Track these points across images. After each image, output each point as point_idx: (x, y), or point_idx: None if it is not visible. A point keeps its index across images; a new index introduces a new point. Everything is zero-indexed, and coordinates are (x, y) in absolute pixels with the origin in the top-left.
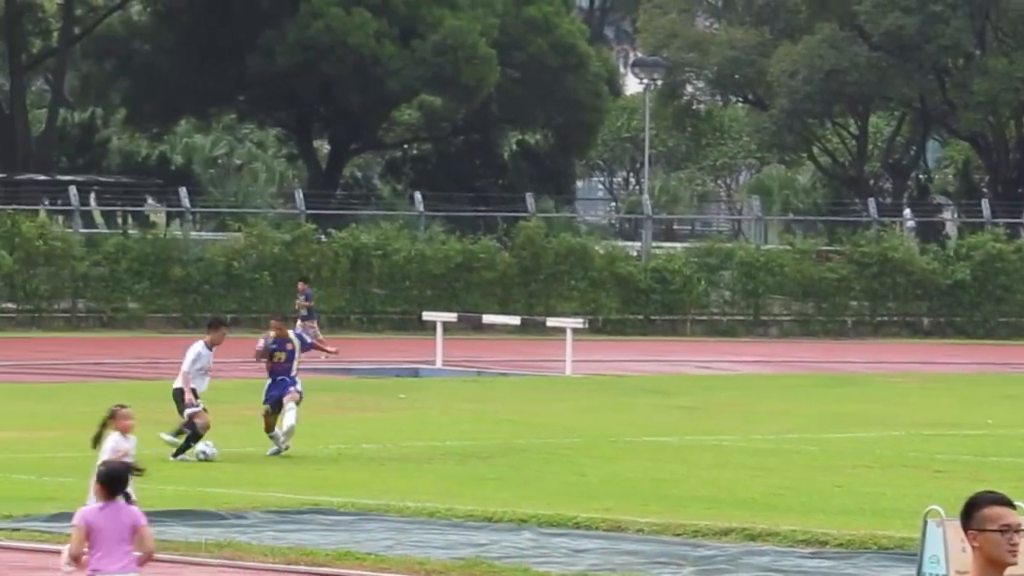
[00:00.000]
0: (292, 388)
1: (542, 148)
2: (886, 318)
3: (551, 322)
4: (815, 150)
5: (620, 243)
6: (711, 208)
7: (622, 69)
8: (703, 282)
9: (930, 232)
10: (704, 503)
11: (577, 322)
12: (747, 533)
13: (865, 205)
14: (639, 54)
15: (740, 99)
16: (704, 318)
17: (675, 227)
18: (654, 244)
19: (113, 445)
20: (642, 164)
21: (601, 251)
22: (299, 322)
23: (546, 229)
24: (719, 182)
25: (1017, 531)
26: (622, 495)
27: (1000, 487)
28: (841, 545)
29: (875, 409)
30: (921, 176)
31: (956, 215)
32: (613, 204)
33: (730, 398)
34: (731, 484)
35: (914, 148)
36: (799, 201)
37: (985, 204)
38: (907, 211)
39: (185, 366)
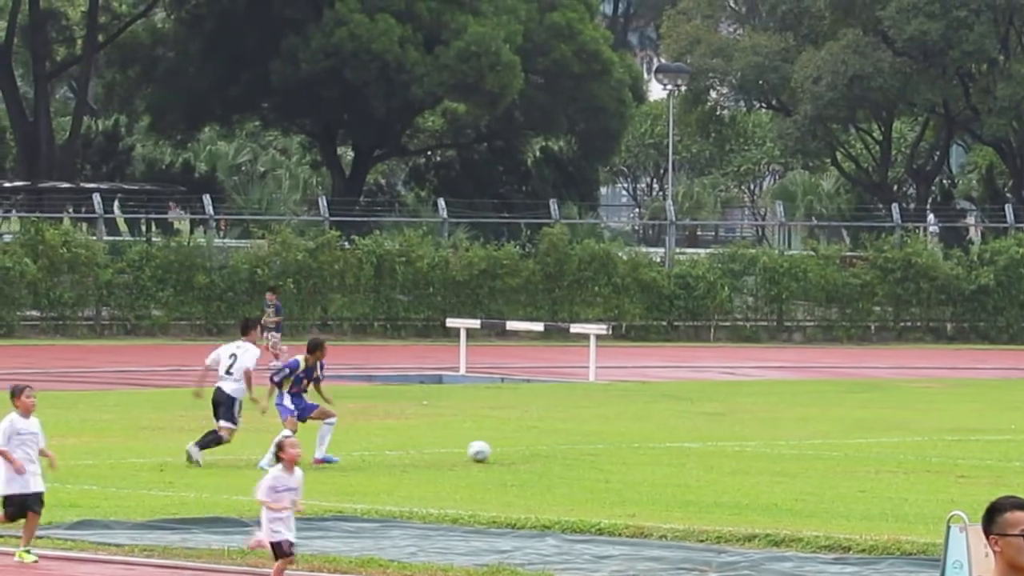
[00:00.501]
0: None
1: (566, 154)
2: (909, 323)
3: (575, 328)
4: (839, 156)
5: (644, 249)
6: (735, 214)
7: (646, 75)
8: (727, 288)
9: (953, 237)
10: (727, 509)
11: (601, 328)
12: (770, 539)
13: (889, 211)
14: (663, 60)
15: (764, 105)
16: (728, 324)
17: (699, 233)
18: (678, 250)
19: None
20: (666, 170)
21: (624, 257)
22: (267, 333)
23: (570, 235)
24: (743, 188)
25: None
26: (645, 501)
27: (989, 492)
28: (864, 551)
29: (898, 414)
30: (945, 181)
31: (980, 220)
32: (637, 210)
33: (753, 404)
34: (754, 490)
35: (938, 153)
36: (823, 207)
37: (1009, 209)
38: (931, 216)
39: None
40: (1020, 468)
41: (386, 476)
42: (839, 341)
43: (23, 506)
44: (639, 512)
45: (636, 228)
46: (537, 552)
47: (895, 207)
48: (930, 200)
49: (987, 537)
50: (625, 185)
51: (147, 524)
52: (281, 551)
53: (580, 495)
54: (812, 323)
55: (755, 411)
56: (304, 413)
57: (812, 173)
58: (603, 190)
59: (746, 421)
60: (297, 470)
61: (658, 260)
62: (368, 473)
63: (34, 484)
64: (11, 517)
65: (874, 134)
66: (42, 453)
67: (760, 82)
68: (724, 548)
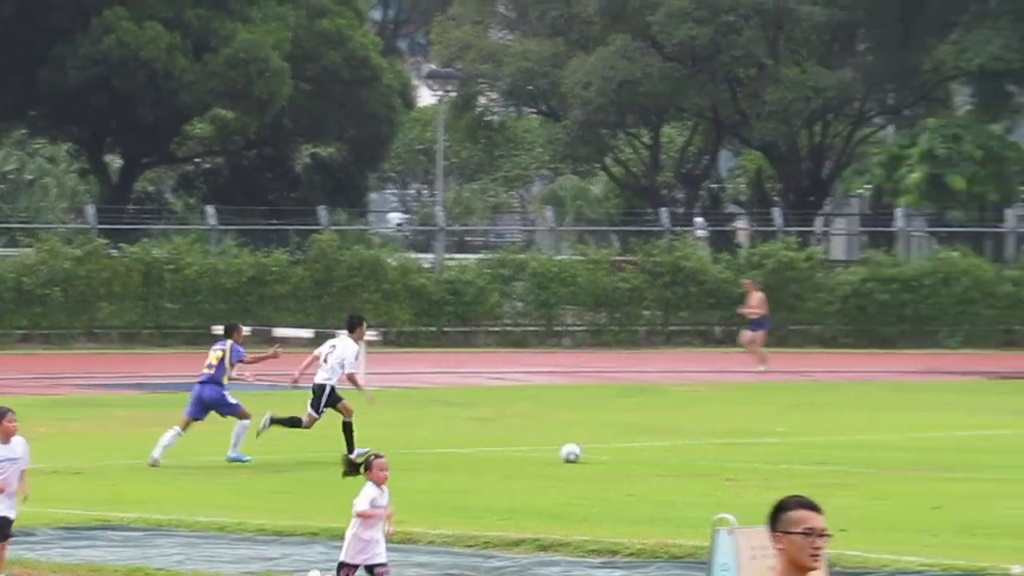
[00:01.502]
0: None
1: (335, 161)
2: (678, 327)
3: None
4: (608, 160)
5: (414, 255)
6: (504, 219)
7: (416, 81)
8: (496, 293)
9: (722, 241)
10: (497, 514)
11: (371, 334)
12: (538, 544)
13: (658, 215)
14: (433, 66)
15: (534, 110)
16: (497, 329)
17: (468, 239)
18: (447, 256)
19: None
20: (435, 176)
21: (394, 263)
22: None
23: (339, 242)
24: (512, 193)
25: (821, 536)
26: (414, 507)
27: (772, 496)
28: (632, 554)
29: (667, 418)
30: (713, 185)
31: (748, 224)
32: (407, 216)
33: (523, 409)
34: (523, 495)
35: (707, 158)
36: (592, 211)
37: (777, 213)
38: (699, 220)
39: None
40: (788, 471)
41: (156, 484)
42: (608, 345)
43: None
44: (407, 518)
45: (406, 234)
46: (305, 559)
47: (664, 211)
48: (699, 204)
49: (772, 534)
50: (395, 191)
51: None
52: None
53: (348, 502)
54: (582, 328)
55: (524, 416)
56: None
57: (582, 178)
58: (373, 196)
59: (515, 426)
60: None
61: (428, 266)
62: (136, 481)
63: (3, 509)
64: None
65: (643, 139)
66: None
67: (530, 87)
68: (492, 553)
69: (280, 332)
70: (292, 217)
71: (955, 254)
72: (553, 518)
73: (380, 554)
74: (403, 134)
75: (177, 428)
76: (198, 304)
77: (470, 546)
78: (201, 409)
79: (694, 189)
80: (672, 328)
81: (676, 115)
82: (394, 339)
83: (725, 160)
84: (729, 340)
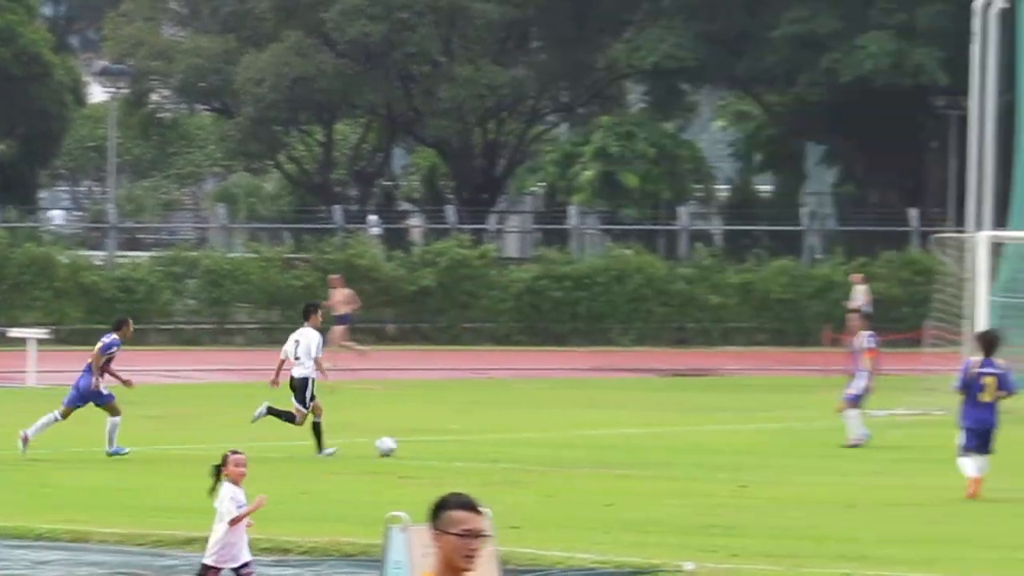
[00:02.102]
0: None
1: (5, 157)
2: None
3: (13, 332)
4: (281, 158)
5: (85, 252)
6: (177, 217)
7: (87, 78)
8: (168, 291)
9: (396, 239)
10: (168, 513)
11: (41, 332)
12: None
13: (331, 213)
14: (104, 63)
15: (206, 107)
16: (170, 327)
17: (140, 236)
18: (120, 253)
19: None
20: (107, 173)
21: (66, 260)
22: None
23: (9, 239)
24: (185, 190)
25: (477, 537)
26: (86, 506)
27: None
28: (305, 552)
29: (341, 416)
30: (387, 183)
31: (422, 222)
32: (78, 215)
33: (197, 407)
34: (195, 494)
35: (380, 155)
36: (265, 209)
37: (450, 210)
38: (373, 218)
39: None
40: (461, 468)
41: None
42: (281, 343)
43: None
44: (79, 517)
45: (77, 231)
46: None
47: (337, 209)
48: (372, 202)
49: (433, 533)
50: (66, 188)
51: None
52: None
53: (18, 501)
54: (255, 325)
55: (198, 414)
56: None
57: (255, 175)
58: (44, 193)
59: (187, 424)
60: None
61: (99, 263)
62: None
63: None
64: None
65: (317, 136)
66: None
67: (202, 84)
68: (163, 552)
69: None
70: None
71: (628, 252)
72: None
73: (245, 553)
74: (75, 131)
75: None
76: None
77: (141, 544)
78: (79, 398)
79: (368, 187)
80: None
81: (350, 112)
82: (65, 337)
83: (399, 157)
84: (403, 338)
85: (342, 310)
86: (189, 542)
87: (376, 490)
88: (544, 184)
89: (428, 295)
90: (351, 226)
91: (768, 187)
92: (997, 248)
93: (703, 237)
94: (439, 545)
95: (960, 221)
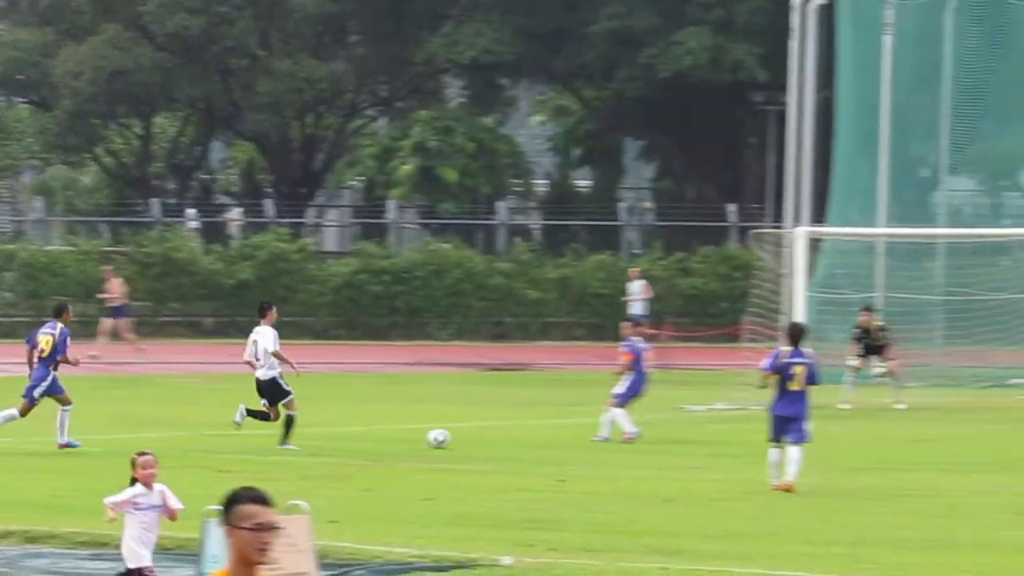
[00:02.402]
0: None
1: None
2: (170, 318)
3: None
4: (99, 151)
5: None
6: None
7: None
8: None
9: (214, 232)
10: None
11: None
12: (26, 535)
13: (149, 206)
14: None
15: (24, 100)
16: None
17: None
18: None
19: None
20: None
21: None
22: None
23: None
24: (2, 183)
25: (269, 530)
26: None
27: (283, 486)
28: (118, 547)
29: (163, 410)
30: (205, 176)
31: (240, 215)
32: None
33: (10, 401)
34: (8, 487)
35: (199, 148)
36: (83, 202)
37: (269, 204)
38: (191, 211)
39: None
40: (280, 462)
41: None
42: (91, 337)
43: None
44: None
45: None
46: None
47: (155, 202)
48: (191, 195)
49: (225, 527)
50: None
51: None
52: None
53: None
54: (73, 319)
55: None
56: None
57: (72, 168)
58: None
59: None
60: None
61: None
62: None
63: None
64: None
65: (135, 129)
66: None
67: (20, 77)
68: None
69: None
70: None
71: (447, 246)
72: (39, 509)
73: (149, 556)
74: None
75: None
76: None
77: None
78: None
79: (186, 180)
80: (163, 319)
81: (168, 105)
82: None
83: (217, 151)
84: (220, 331)
85: (118, 301)
86: (5, 536)
87: (194, 484)
88: (363, 178)
89: (246, 289)
90: (169, 219)
91: (587, 182)
92: (815, 244)
93: (522, 232)
94: (232, 540)
95: (779, 217)
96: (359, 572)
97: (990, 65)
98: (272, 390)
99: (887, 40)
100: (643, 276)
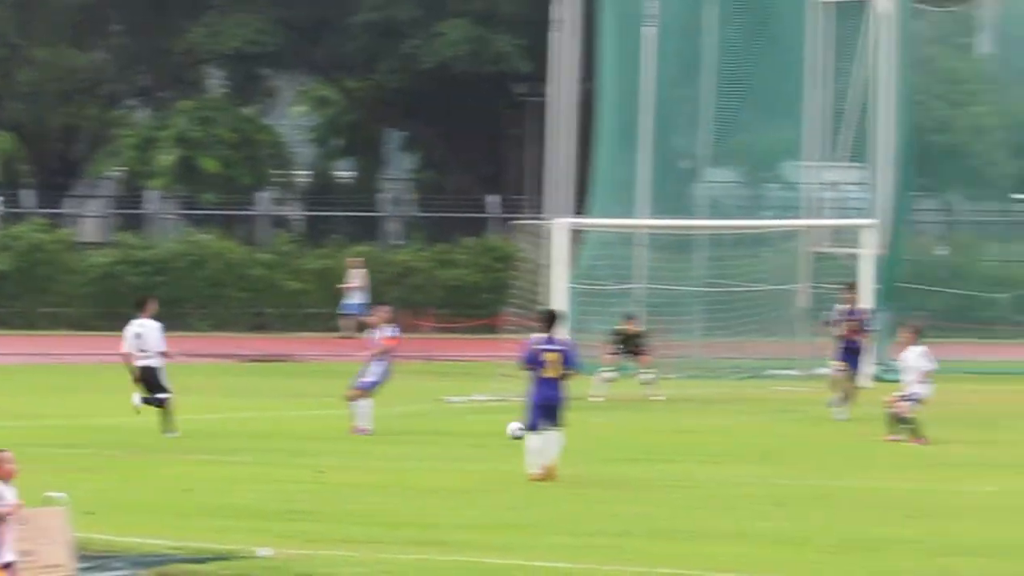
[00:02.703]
0: None
1: None
2: None
3: None
4: None
5: None
6: None
7: None
8: None
9: None
10: None
11: None
12: None
13: None
14: None
15: None
16: None
17: None
18: None
19: None
20: None
21: None
22: None
23: None
24: None
25: None
26: None
27: (37, 478)
28: None
29: None
30: None
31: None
32: None
33: None
34: None
35: None
36: None
37: (27, 194)
38: None
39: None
40: (34, 454)
41: None
42: None
43: None
44: None
45: None
46: None
47: None
48: None
49: None
50: None
51: None
52: None
53: None
54: None
55: None
56: None
57: None
58: None
59: None
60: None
61: None
62: None
63: None
64: None
65: None
66: None
67: None
68: None
69: None
70: None
71: (207, 237)
72: None
73: (10, 551)
74: None
75: None
76: None
77: None
78: None
79: None
80: None
81: None
82: None
83: None
84: None
85: None
86: None
87: None
88: (123, 169)
89: (4, 280)
90: None
91: (348, 173)
92: (577, 235)
93: (283, 223)
94: None
95: (540, 208)
96: (116, 564)
97: (752, 57)
98: (154, 378)
99: (649, 32)
100: (364, 266)
